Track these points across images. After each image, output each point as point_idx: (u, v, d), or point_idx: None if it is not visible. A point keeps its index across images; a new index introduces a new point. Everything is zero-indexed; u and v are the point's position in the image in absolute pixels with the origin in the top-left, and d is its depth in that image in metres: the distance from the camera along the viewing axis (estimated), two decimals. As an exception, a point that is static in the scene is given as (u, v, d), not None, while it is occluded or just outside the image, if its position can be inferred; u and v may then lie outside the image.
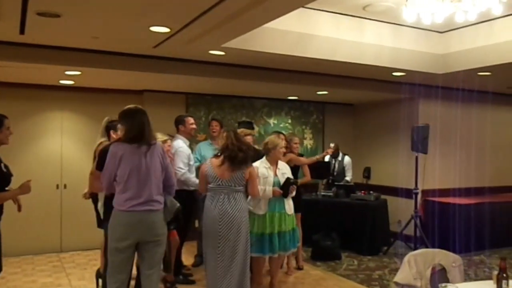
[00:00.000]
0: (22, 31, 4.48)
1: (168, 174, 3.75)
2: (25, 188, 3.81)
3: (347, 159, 8.06)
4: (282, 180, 5.10)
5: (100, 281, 5.01)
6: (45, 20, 4.05)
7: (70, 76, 6.19)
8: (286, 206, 5.11)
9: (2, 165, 3.82)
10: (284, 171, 5.21)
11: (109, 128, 4.68)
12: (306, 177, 6.33)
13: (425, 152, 7.12)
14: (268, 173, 5.07)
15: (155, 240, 3.62)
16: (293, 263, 6.31)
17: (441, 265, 3.35)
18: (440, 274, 3.29)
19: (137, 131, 3.60)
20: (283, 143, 5.26)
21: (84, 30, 4.55)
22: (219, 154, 4.55)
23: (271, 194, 4.97)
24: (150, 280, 3.67)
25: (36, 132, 6.98)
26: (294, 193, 5.18)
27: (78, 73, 5.95)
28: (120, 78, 6.46)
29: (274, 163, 5.19)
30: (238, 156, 4.43)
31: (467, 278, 3.67)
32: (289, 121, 8.95)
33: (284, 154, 5.71)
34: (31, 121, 6.93)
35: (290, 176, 5.21)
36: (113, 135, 4.44)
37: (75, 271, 6.07)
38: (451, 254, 3.49)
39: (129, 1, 3.66)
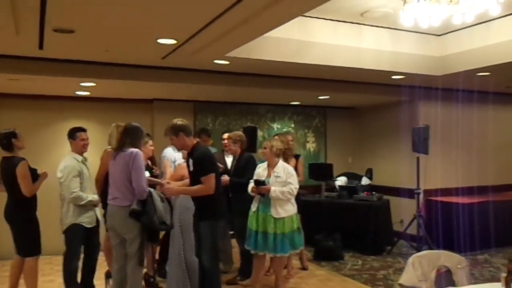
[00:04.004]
0: (41, 46, 4.74)
1: (133, 177, 4.18)
2: (44, 175, 4.91)
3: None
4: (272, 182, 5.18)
5: (110, 281, 5.21)
6: (61, 36, 4.29)
7: (85, 87, 6.45)
8: (272, 209, 5.08)
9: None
10: (279, 174, 5.16)
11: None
12: (299, 176, 5.82)
13: (426, 153, 7.18)
14: (262, 173, 5.27)
15: (124, 232, 4.30)
16: (296, 263, 6.38)
17: (446, 267, 3.29)
18: (445, 276, 3.25)
19: (115, 142, 4.55)
20: (265, 144, 5.33)
21: (96, 44, 4.78)
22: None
23: (249, 190, 5.22)
24: (128, 271, 4.34)
25: (52, 141, 7.20)
26: (261, 193, 5.11)
27: (93, 84, 6.21)
28: (131, 88, 6.71)
29: (270, 165, 5.31)
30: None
31: (472, 278, 3.62)
32: (292, 125, 9.15)
33: (285, 157, 5.71)
34: (48, 131, 7.27)
35: (286, 179, 5.14)
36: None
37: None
38: (456, 255, 3.45)
39: (137, 16, 3.85)
